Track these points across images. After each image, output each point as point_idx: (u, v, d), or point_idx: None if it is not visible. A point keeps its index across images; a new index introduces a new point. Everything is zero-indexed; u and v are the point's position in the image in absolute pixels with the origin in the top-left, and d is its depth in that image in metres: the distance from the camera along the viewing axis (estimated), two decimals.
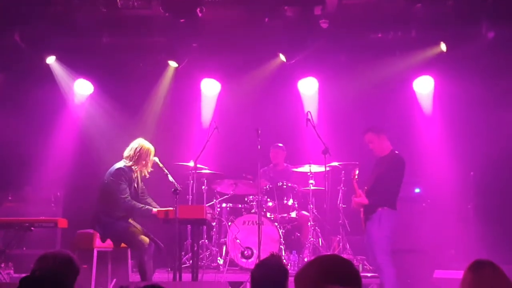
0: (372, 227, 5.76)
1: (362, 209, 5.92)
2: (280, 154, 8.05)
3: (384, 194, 5.82)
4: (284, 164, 8.08)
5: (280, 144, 8.07)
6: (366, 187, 5.97)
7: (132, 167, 5.93)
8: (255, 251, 6.74)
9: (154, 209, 5.82)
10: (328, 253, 5.93)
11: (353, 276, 1.98)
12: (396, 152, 6.02)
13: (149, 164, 6.00)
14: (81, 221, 6.24)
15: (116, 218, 5.80)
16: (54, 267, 2.83)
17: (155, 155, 6.04)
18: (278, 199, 7.29)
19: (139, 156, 5.94)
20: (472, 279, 2.69)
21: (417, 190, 7.30)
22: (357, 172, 5.97)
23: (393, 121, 8.00)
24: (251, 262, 6.82)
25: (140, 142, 6.01)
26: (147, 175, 6.07)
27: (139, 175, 6.04)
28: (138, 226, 5.92)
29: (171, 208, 5.80)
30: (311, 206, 7.23)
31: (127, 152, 5.98)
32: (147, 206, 5.85)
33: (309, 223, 7.18)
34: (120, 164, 5.93)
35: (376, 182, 5.89)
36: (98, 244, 5.79)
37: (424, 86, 8.48)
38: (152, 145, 6.06)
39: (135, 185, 5.97)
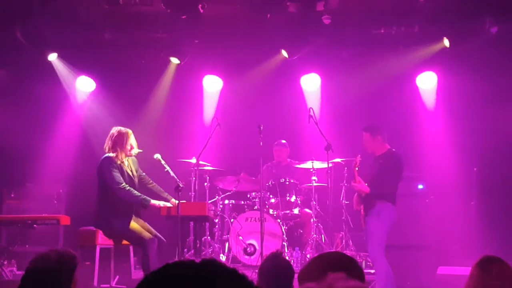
0: (371, 220, 5.76)
1: (362, 206, 5.91)
2: (283, 151, 8.02)
3: (383, 190, 5.80)
4: (287, 160, 8.06)
5: (283, 141, 8.04)
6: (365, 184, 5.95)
7: (116, 156, 5.74)
8: (258, 248, 6.73)
9: (153, 201, 5.77)
10: (331, 250, 5.92)
11: (356, 269, 1.97)
12: (393, 150, 5.98)
13: (129, 147, 5.80)
14: (84, 218, 6.23)
15: (117, 217, 5.71)
16: (47, 265, 2.83)
17: (158, 152, 6.02)
18: (281, 196, 7.26)
19: (116, 142, 5.75)
20: (480, 275, 2.66)
21: (420, 186, 7.27)
22: (359, 160, 5.95)
23: (396, 117, 7.98)
24: (254, 259, 6.80)
25: (114, 129, 5.87)
26: (134, 156, 5.91)
27: (131, 164, 5.91)
28: (140, 222, 5.87)
29: (169, 204, 5.78)
30: (314, 202, 7.21)
31: (105, 144, 5.83)
32: (144, 196, 5.74)
33: (312, 220, 7.16)
34: (105, 156, 5.80)
35: (374, 179, 5.86)
36: (101, 241, 5.77)
37: (427, 82, 8.43)
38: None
39: (130, 173, 5.83)
